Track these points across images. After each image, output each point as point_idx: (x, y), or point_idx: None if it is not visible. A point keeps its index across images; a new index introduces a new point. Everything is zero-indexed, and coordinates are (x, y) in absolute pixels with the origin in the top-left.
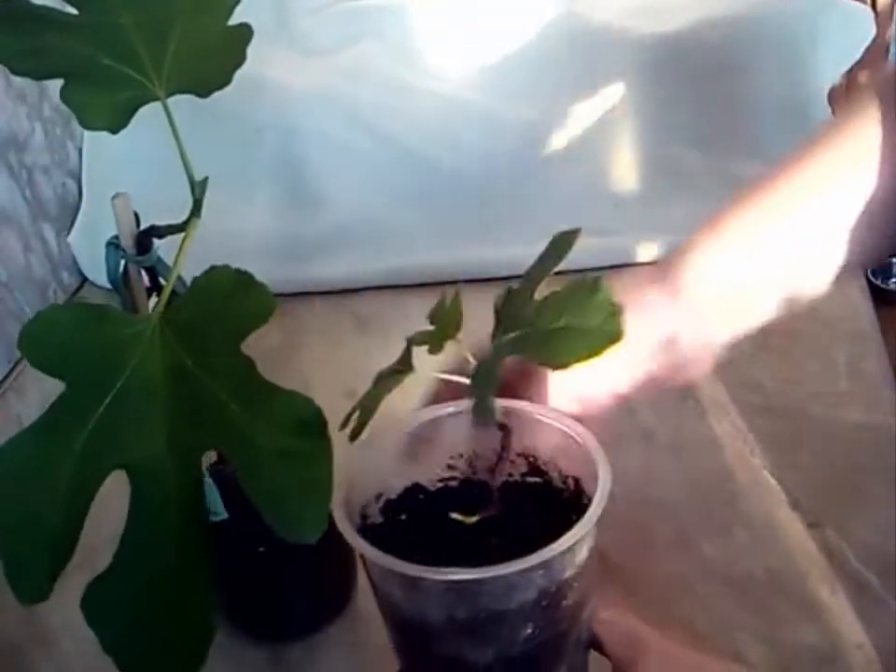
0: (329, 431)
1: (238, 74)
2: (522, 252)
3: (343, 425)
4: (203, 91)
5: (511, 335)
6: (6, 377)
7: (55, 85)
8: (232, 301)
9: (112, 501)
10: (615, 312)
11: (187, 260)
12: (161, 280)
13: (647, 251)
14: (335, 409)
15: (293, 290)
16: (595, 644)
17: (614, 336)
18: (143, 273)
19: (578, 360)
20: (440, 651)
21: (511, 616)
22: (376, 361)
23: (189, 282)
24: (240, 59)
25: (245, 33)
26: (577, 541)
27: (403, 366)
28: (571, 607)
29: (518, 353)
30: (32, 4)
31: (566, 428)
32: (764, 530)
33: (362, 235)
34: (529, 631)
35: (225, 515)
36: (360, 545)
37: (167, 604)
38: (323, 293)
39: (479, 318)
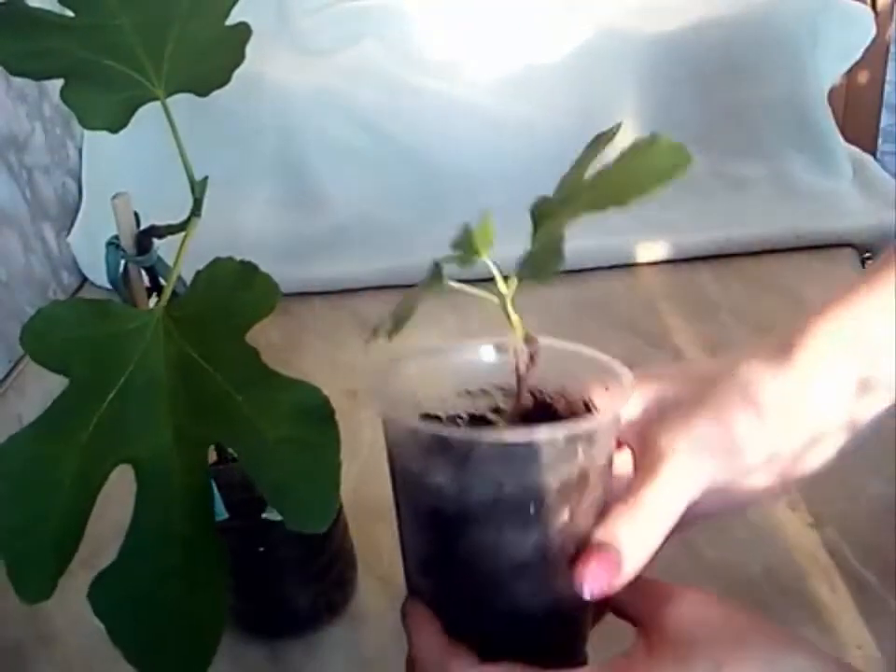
0: (335, 419)
1: (237, 73)
2: (522, 252)
3: (373, 335)
4: (203, 91)
5: (572, 206)
6: (6, 376)
7: (55, 85)
8: (236, 292)
9: (116, 497)
10: (680, 148)
11: (187, 260)
12: (161, 280)
13: (648, 251)
14: (335, 409)
15: (293, 290)
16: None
17: (685, 161)
18: (143, 272)
19: (648, 189)
20: (475, 544)
21: (553, 495)
22: (376, 361)
23: (188, 282)
24: (239, 58)
25: (243, 32)
26: (614, 417)
27: (432, 283)
28: (596, 505)
29: (584, 210)
30: (30, 6)
31: (575, 350)
32: (764, 530)
33: (362, 235)
34: (566, 518)
35: (225, 515)
36: (410, 421)
37: (174, 597)
38: (323, 293)
39: (479, 320)
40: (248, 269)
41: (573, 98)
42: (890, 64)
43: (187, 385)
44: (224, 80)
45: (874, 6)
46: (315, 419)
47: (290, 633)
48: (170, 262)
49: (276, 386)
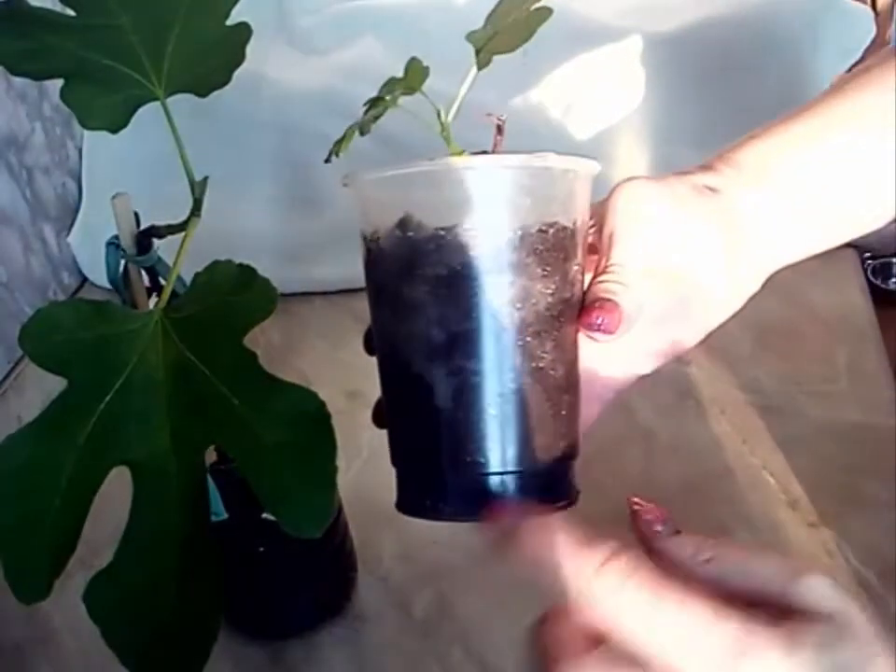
0: (332, 424)
1: (237, 73)
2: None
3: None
4: (203, 91)
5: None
6: (6, 377)
7: (55, 85)
8: (234, 295)
9: (114, 499)
10: None
11: (187, 260)
12: (161, 280)
13: None
14: (335, 409)
15: (293, 290)
16: None
17: None
18: (143, 272)
19: None
20: (501, 295)
21: (568, 237)
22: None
23: (188, 282)
24: (239, 58)
25: (243, 32)
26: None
27: (383, 105)
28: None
29: None
30: (31, 5)
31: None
32: (764, 530)
33: None
34: (577, 267)
35: (225, 515)
36: (427, 164)
37: (169, 600)
38: (323, 293)
39: None
40: (247, 272)
41: (572, 97)
42: None
43: (184, 387)
44: (224, 80)
45: (874, 6)
46: (312, 424)
47: (290, 633)
48: (170, 262)
49: (273, 391)
